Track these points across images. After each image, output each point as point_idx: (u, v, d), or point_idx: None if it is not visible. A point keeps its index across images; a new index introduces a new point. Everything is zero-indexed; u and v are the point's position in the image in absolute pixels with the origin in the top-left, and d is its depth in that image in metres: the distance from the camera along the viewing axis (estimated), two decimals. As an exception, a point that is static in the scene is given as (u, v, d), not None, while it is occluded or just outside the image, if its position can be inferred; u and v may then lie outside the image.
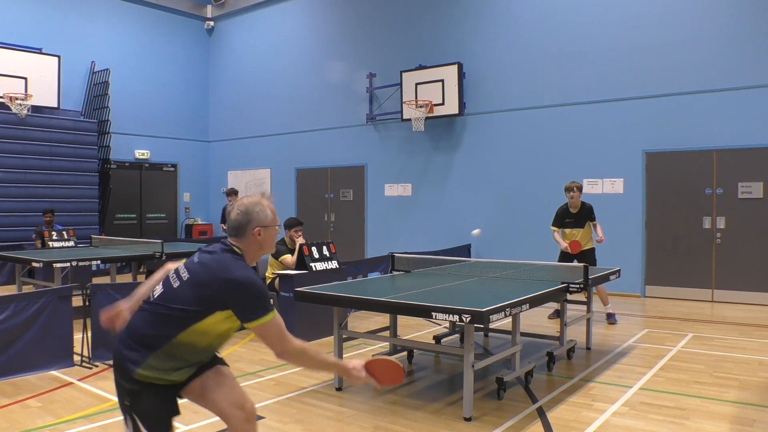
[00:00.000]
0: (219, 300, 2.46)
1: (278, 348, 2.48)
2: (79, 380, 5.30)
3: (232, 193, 12.33)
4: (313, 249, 7.18)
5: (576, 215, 7.81)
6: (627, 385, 5.13)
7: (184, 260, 2.71)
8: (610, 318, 7.84)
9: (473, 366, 4.28)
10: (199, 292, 2.47)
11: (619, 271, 6.60)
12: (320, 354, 2.61)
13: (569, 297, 5.51)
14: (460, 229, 12.22)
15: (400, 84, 12.60)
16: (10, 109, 12.54)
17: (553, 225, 7.98)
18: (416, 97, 12.25)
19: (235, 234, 2.64)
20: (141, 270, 10.49)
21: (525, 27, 11.46)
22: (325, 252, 7.32)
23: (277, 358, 2.52)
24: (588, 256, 7.71)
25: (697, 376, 5.38)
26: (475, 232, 8.32)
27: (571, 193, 7.76)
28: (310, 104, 14.85)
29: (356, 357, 6.07)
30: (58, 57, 13.44)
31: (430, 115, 12.20)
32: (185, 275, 2.55)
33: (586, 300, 6.49)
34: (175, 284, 2.54)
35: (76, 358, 5.82)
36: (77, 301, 5.95)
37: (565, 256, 7.76)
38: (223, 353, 6.29)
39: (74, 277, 9.09)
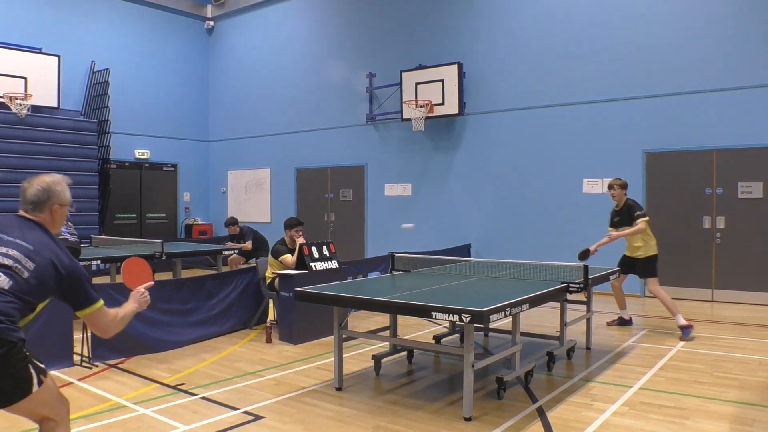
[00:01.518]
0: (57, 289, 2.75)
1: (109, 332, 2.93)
2: (79, 380, 5.31)
3: (233, 223, 11.24)
4: (313, 249, 7.18)
5: (620, 212, 7.31)
6: (627, 385, 5.13)
7: None
8: (624, 322, 7.47)
9: (473, 366, 4.28)
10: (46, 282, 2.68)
11: (619, 270, 6.60)
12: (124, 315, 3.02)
13: (569, 297, 5.51)
14: (460, 229, 12.23)
15: (400, 84, 12.60)
16: (10, 109, 12.55)
17: (609, 226, 7.49)
18: (416, 97, 12.25)
19: (33, 209, 2.84)
20: (141, 270, 10.46)
21: (525, 27, 11.46)
22: (325, 252, 7.32)
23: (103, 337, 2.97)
24: (640, 264, 7.21)
25: (697, 376, 5.38)
26: (407, 226, 7.30)
27: (612, 191, 7.36)
28: (310, 104, 14.85)
29: (355, 357, 6.08)
30: (58, 57, 13.44)
31: (430, 114, 12.20)
32: (29, 264, 2.63)
33: (586, 300, 6.49)
34: (24, 275, 2.62)
35: (76, 358, 5.83)
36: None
37: (624, 260, 7.34)
38: (224, 353, 6.34)
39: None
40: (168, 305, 6.55)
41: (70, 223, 7.38)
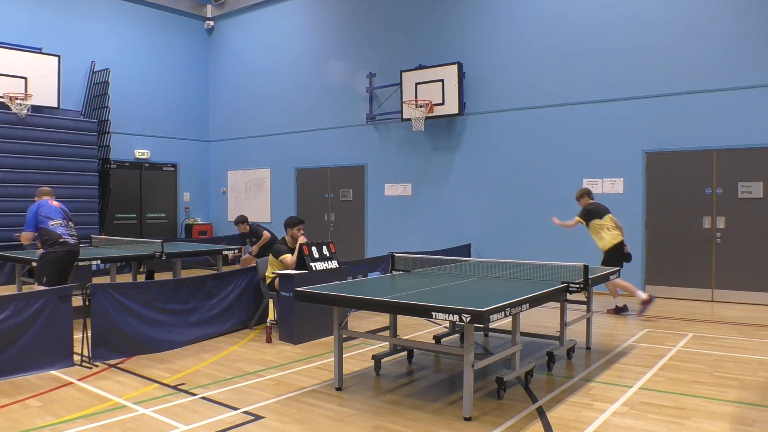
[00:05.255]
0: None
1: None
2: (79, 380, 5.30)
3: (243, 221, 10.75)
4: (313, 249, 7.18)
5: None
6: (627, 384, 5.14)
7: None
8: (620, 311, 8.20)
9: (473, 366, 4.28)
10: None
11: (619, 270, 6.60)
12: None
13: (569, 297, 5.51)
14: (460, 229, 12.23)
15: (400, 84, 12.60)
16: (10, 109, 12.54)
17: None
18: (416, 97, 12.24)
19: None
20: (141, 270, 10.47)
21: (525, 27, 11.46)
22: (325, 252, 7.32)
23: None
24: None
25: (697, 376, 5.38)
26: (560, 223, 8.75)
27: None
28: (310, 104, 14.85)
29: (355, 357, 6.07)
30: (58, 57, 13.43)
31: (430, 114, 12.20)
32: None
33: (586, 300, 6.49)
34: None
35: (76, 358, 5.82)
36: (77, 301, 5.96)
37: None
38: (224, 353, 6.33)
39: (74, 277, 9.06)
40: (168, 305, 6.55)
41: (71, 223, 7.23)
